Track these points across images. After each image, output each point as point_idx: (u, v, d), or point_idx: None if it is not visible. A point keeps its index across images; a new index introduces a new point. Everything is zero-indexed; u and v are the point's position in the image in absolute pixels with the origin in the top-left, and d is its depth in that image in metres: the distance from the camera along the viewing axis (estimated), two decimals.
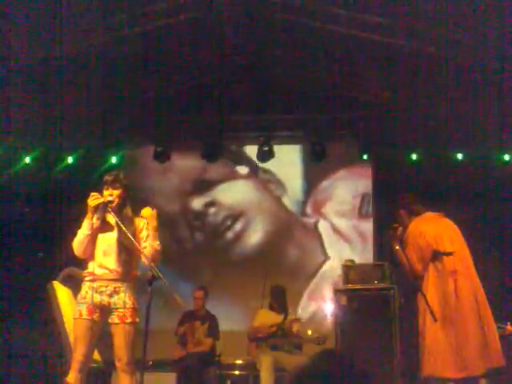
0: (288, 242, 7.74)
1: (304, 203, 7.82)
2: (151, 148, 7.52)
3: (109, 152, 7.63)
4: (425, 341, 3.86)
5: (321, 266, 7.60)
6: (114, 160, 7.65)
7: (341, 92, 6.83)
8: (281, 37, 6.17)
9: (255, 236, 7.82)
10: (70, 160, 7.48)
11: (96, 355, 4.09)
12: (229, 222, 7.93)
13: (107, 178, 3.63)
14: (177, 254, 7.65)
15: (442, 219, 4.20)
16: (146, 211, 3.68)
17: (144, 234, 3.63)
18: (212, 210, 7.99)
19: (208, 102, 7.02)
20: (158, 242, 3.63)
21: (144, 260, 3.47)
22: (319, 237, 7.71)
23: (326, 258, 7.62)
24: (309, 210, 7.81)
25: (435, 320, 3.61)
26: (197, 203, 8.00)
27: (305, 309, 6.66)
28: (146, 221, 3.66)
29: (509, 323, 4.93)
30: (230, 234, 7.88)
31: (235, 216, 7.91)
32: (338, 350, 5.12)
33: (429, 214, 4.19)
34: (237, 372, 6.67)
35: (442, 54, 5.41)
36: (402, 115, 6.67)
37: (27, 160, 7.27)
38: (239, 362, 6.68)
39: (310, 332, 5.84)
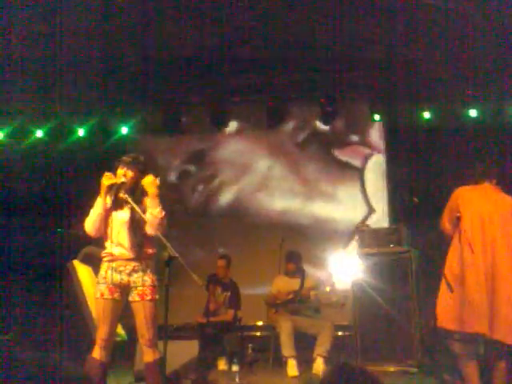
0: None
1: None
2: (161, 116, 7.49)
3: (119, 122, 7.60)
4: (437, 299, 3.90)
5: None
6: (124, 130, 7.62)
7: (350, 51, 6.67)
8: None
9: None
10: (80, 132, 7.48)
11: (120, 329, 4.19)
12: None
13: (125, 158, 3.66)
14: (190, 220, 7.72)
15: (494, 192, 3.98)
16: (147, 178, 3.61)
17: (146, 204, 3.61)
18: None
19: (216, 66, 6.91)
20: (158, 209, 3.53)
21: (148, 229, 3.49)
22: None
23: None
24: None
25: (451, 291, 3.61)
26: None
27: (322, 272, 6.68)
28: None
29: None
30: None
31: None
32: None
33: (484, 185, 4.00)
34: (258, 333, 6.83)
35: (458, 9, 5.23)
36: (415, 73, 6.51)
37: (39, 134, 7.30)
38: (260, 323, 6.84)
39: (328, 289, 5.79)
